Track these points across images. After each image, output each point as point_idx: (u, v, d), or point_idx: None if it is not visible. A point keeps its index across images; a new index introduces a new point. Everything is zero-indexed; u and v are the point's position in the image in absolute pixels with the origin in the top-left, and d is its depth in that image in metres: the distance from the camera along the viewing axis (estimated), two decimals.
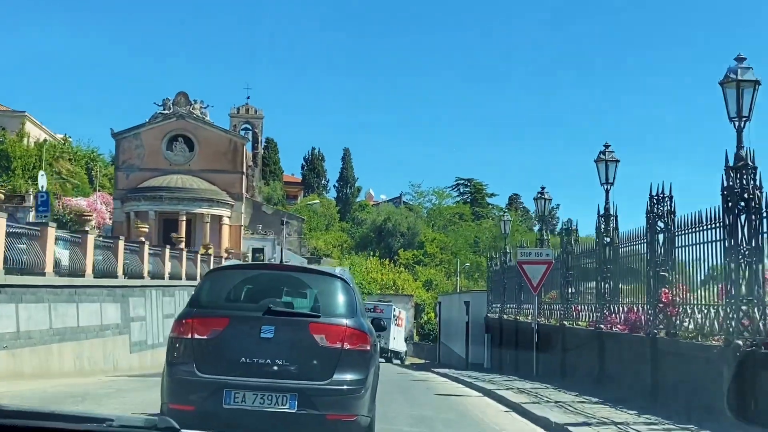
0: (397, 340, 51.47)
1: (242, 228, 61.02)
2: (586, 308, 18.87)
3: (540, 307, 22.17)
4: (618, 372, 15.81)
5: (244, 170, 61.92)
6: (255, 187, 74.87)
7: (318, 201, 78.84)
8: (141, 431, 2.47)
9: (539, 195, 24.34)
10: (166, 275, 29.83)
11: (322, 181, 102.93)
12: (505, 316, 28.25)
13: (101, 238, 25.86)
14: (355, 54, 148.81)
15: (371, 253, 76.96)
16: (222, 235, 58.54)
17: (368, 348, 7.72)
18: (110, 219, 58.50)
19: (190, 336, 7.45)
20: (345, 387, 7.37)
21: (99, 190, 69.76)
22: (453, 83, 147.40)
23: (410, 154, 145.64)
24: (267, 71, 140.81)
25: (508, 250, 28.71)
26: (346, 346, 7.47)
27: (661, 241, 14.16)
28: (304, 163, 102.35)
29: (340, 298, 7.91)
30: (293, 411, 7.14)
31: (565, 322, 19.99)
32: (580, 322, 19.50)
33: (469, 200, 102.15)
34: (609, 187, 17.43)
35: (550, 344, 21.29)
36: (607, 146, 17.55)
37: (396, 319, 51.26)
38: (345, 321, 7.63)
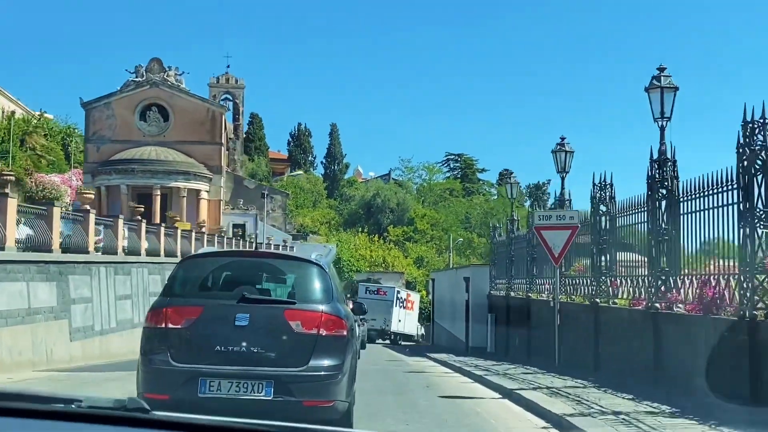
0: (404, 323, 49.37)
1: (222, 203, 56.48)
2: (630, 282, 14.53)
3: (561, 282, 17.86)
4: (687, 367, 11.48)
5: (223, 141, 57.27)
6: (237, 160, 70.25)
7: (301, 172, 74.05)
8: (110, 412, 2.26)
9: (558, 147, 18.84)
10: (120, 250, 25.29)
11: (309, 158, 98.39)
12: (512, 294, 23.94)
13: (31, 205, 21.34)
14: (339, 27, 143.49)
15: (360, 230, 72.45)
16: (200, 210, 54.05)
17: (344, 333, 7.47)
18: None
19: (164, 325, 7.29)
20: (322, 373, 7.17)
21: (76, 167, 65.25)
22: (442, 55, 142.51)
23: (399, 129, 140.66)
24: (249, 43, 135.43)
25: (515, 217, 24.32)
26: (322, 332, 7.27)
27: (761, 183, 9.84)
28: (290, 140, 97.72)
29: (316, 284, 7.68)
30: (269, 398, 6.97)
31: (597, 300, 15.69)
32: (618, 300, 15.22)
33: (459, 176, 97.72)
34: (665, 123, 13.04)
35: (577, 327, 17.02)
36: (662, 69, 13.13)
37: (404, 302, 49.34)
38: (321, 307, 7.43)
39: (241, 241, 44.78)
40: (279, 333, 7.20)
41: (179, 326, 7.23)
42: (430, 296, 44.21)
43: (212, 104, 57.48)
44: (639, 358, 13.26)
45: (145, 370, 7.29)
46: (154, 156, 53.45)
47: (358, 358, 10.79)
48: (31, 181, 47.89)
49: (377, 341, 45.60)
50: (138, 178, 52.95)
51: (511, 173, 23.61)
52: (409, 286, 62.42)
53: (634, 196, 14.54)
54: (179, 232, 31.90)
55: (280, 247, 53.45)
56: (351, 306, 10.18)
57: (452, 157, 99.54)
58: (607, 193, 15.75)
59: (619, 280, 15.19)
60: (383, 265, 64.70)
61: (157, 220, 42.47)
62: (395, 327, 47.38)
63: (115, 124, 54.81)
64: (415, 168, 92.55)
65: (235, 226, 55.29)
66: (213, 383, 6.96)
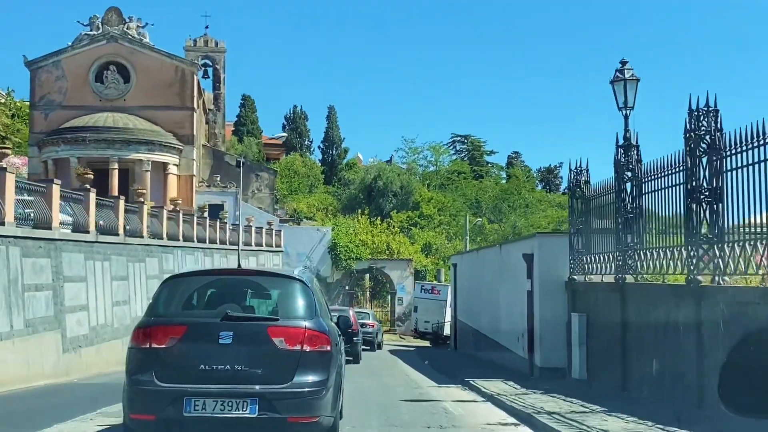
0: None
1: (195, 179, 45.18)
2: None
3: None
4: None
5: (197, 107, 45.87)
6: (218, 135, 58.92)
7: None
8: None
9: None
10: None
11: (305, 142, 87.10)
12: (630, 278, 12.67)
13: None
14: (335, 5, 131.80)
15: (360, 213, 60.91)
16: (167, 186, 42.76)
17: (328, 349, 7.14)
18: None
19: (148, 345, 6.91)
20: (306, 389, 6.81)
21: None
22: (442, 35, 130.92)
23: (400, 113, 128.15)
24: (238, 17, 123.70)
25: (633, 142, 12.89)
26: (306, 348, 6.94)
27: None
28: (285, 123, 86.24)
29: (299, 301, 7.39)
30: (254, 416, 6.65)
31: None
32: None
33: (466, 158, 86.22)
34: None
35: None
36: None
37: None
38: (304, 323, 7.10)
39: (208, 221, 33.45)
40: (263, 350, 6.85)
41: (163, 346, 6.85)
42: (452, 287, 32.82)
43: (182, 61, 46.00)
44: None
45: (130, 390, 6.88)
46: (110, 123, 42.19)
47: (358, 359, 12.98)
48: None
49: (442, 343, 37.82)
50: (91, 149, 41.68)
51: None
52: (419, 275, 51.15)
53: None
54: (93, 197, 20.58)
55: (263, 230, 42.40)
56: (336, 320, 9.01)
57: (458, 138, 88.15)
58: None
59: None
60: (387, 252, 53.35)
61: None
62: (448, 329, 38.70)
63: (66, 87, 43.55)
64: (420, 149, 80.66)
65: (211, 206, 43.97)
66: (198, 402, 6.64)
